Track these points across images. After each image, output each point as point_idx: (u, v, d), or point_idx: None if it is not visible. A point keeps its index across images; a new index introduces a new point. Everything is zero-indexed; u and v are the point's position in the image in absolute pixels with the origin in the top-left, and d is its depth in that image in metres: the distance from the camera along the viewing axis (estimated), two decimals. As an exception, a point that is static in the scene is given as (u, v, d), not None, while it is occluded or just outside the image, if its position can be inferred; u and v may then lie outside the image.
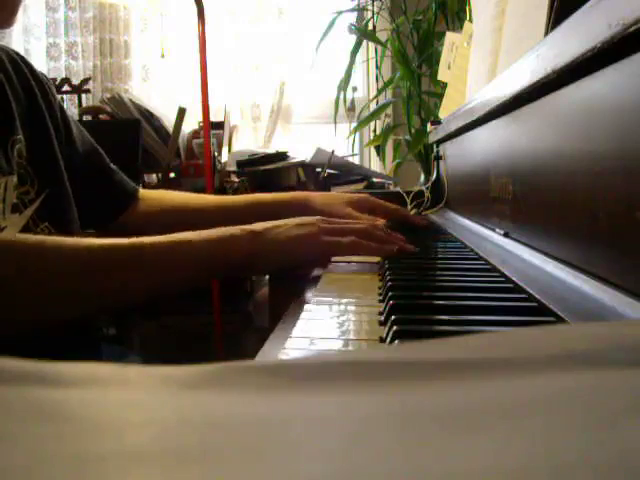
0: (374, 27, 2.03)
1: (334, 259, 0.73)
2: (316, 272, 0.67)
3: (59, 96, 2.05)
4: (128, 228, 0.83)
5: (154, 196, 0.93)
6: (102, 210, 0.85)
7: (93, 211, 0.83)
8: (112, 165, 0.89)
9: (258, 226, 0.64)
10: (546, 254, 0.52)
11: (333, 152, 1.70)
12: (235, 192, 1.73)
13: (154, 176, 1.92)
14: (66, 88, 2.03)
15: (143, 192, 0.92)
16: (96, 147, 0.87)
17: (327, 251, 0.67)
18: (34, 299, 0.52)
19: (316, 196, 0.90)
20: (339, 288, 0.59)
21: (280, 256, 0.64)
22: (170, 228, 0.62)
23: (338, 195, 0.92)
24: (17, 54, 0.79)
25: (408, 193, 1.25)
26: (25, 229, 0.69)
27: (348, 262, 0.72)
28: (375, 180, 1.79)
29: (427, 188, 1.24)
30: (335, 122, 1.97)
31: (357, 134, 2.11)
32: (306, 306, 0.50)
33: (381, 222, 0.87)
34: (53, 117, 0.79)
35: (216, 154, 1.78)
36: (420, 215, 1.20)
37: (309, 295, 0.55)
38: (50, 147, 0.77)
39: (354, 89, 2.12)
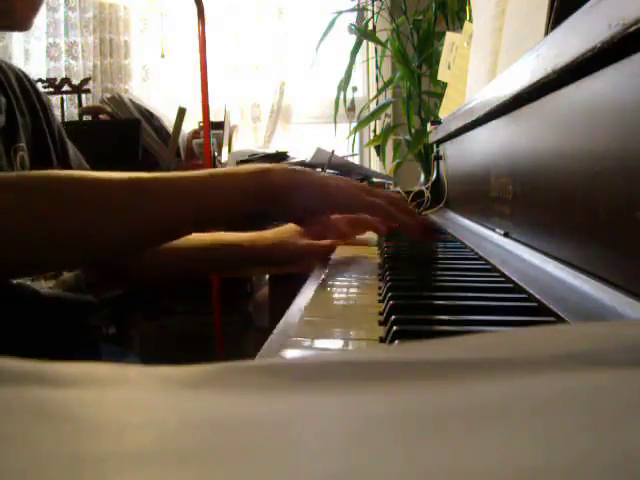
0: (374, 27, 2.03)
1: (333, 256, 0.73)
2: (316, 272, 0.67)
3: (59, 96, 2.05)
4: None
5: None
6: None
7: None
8: None
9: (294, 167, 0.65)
10: (546, 254, 0.52)
11: (333, 152, 1.70)
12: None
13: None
14: (66, 88, 2.03)
15: None
16: (87, 169, 0.89)
17: (358, 206, 0.67)
18: (57, 234, 0.54)
19: (267, 234, 0.87)
20: (339, 288, 0.59)
21: (313, 194, 0.64)
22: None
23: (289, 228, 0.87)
24: (24, 74, 0.82)
25: (408, 193, 1.25)
26: None
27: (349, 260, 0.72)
28: (375, 180, 1.79)
29: (427, 188, 1.24)
30: (335, 122, 1.97)
31: (357, 134, 2.11)
32: (306, 306, 0.50)
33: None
34: (52, 136, 0.81)
35: (216, 154, 1.78)
36: (420, 215, 1.20)
37: (309, 295, 0.55)
38: (49, 161, 0.79)
39: (354, 89, 2.12)
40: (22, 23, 0.67)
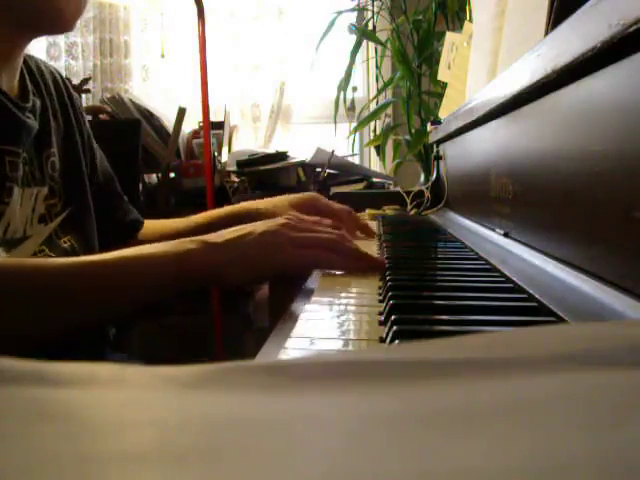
0: (374, 27, 2.03)
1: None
2: (316, 272, 0.67)
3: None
4: None
5: (152, 225, 0.94)
6: (106, 239, 0.84)
7: (99, 236, 0.84)
8: (123, 197, 0.91)
9: (220, 237, 0.61)
10: (546, 254, 0.52)
11: (333, 152, 1.70)
12: (235, 192, 1.73)
13: (154, 176, 1.92)
14: (66, 88, 2.02)
15: (145, 223, 0.93)
16: (112, 174, 0.89)
17: (291, 266, 0.62)
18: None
19: (261, 204, 0.88)
20: (339, 288, 0.59)
21: (242, 270, 0.60)
22: None
23: (283, 198, 0.89)
24: (60, 75, 0.82)
25: (408, 193, 1.26)
26: (48, 240, 0.70)
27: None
28: (375, 180, 1.79)
29: (427, 188, 1.24)
30: (335, 122, 1.97)
31: (357, 134, 2.11)
32: (306, 306, 0.50)
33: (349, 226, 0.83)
34: (83, 141, 0.82)
35: (216, 154, 1.78)
36: (420, 215, 1.20)
37: (309, 295, 0.55)
38: (79, 165, 0.79)
39: (354, 89, 2.11)
40: (67, 26, 0.67)
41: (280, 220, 0.64)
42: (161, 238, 0.87)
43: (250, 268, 0.61)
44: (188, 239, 0.60)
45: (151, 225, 0.94)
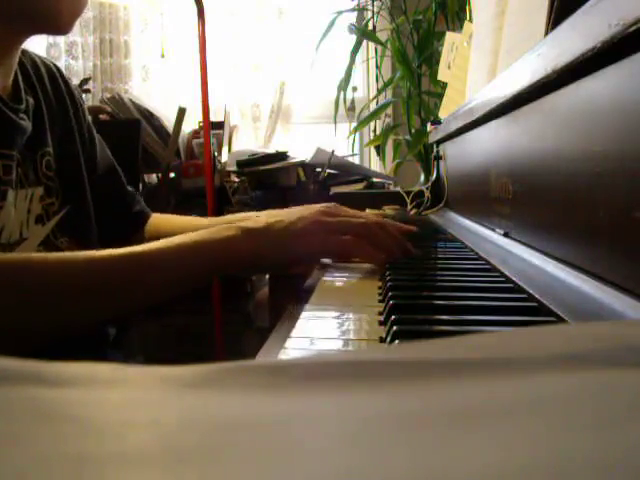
0: (374, 27, 2.03)
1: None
2: (316, 272, 0.67)
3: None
4: None
5: (160, 221, 0.93)
6: (111, 231, 0.84)
7: (102, 231, 0.83)
8: (129, 187, 0.90)
9: (258, 222, 0.62)
10: (546, 254, 0.52)
11: (333, 152, 1.70)
12: (235, 192, 1.73)
13: (154, 176, 1.92)
14: (66, 88, 2.02)
15: (153, 217, 0.92)
16: (115, 168, 0.88)
17: (325, 250, 0.64)
18: (41, 314, 0.52)
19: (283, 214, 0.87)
20: (339, 288, 0.59)
21: (281, 254, 0.62)
22: None
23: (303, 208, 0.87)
24: (58, 70, 0.81)
25: (408, 193, 1.26)
26: (46, 241, 0.70)
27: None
28: (375, 180, 1.79)
29: (427, 188, 1.24)
30: (335, 122, 1.97)
31: (357, 134, 2.11)
32: (306, 306, 0.50)
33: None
34: (82, 135, 0.81)
35: (216, 154, 1.78)
36: (420, 215, 1.20)
37: (309, 295, 0.55)
38: (76, 162, 0.78)
39: (354, 89, 2.11)
40: (65, 27, 0.67)
41: (317, 207, 0.65)
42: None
43: (284, 253, 0.62)
44: (225, 225, 0.61)
45: (165, 221, 0.92)
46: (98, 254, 0.55)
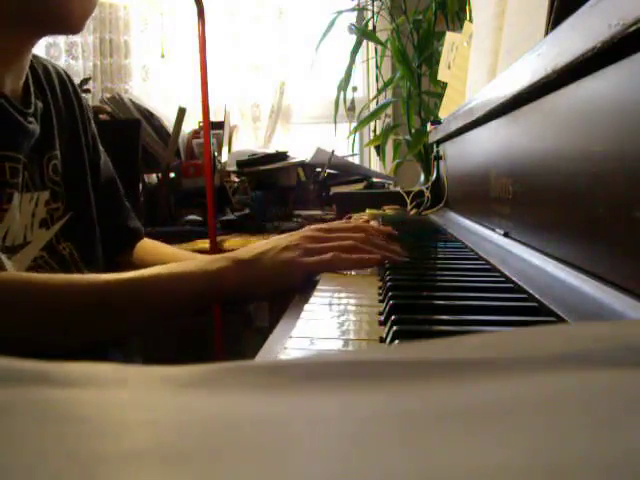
0: (374, 27, 2.03)
1: None
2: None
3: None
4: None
5: (150, 246, 0.93)
6: (106, 240, 0.83)
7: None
8: (125, 202, 0.90)
9: (246, 254, 0.63)
10: (546, 254, 0.52)
11: (333, 152, 1.70)
12: (235, 192, 1.73)
13: (154, 176, 1.92)
14: (66, 88, 2.02)
15: (143, 241, 0.92)
16: (116, 180, 0.89)
17: (310, 272, 0.63)
18: (39, 333, 0.55)
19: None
20: (339, 288, 0.59)
21: (268, 284, 0.63)
22: None
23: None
24: (67, 75, 0.81)
25: (408, 193, 1.26)
26: (48, 246, 0.70)
27: None
28: (375, 180, 1.79)
29: (427, 188, 1.24)
30: (335, 122, 1.97)
31: (357, 134, 2.11)
32: (306, 306, 0.50)
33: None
34: (87, 142, 0.82)
35: (216, 154, 1.78)
36: (420, 215, 1.20)
37: (309, 295, 0.55)
38: (82, 169, 0.79)
39: (354, 89, 2.11)
40: (76, 27, 0.67)
41: (303, 232, 0.66)
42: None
43: (265, 285, 0.63)
44: (220, 256, 0.63)
45: (153, 249, 0.92)
46: (104, 277, 0.58)
